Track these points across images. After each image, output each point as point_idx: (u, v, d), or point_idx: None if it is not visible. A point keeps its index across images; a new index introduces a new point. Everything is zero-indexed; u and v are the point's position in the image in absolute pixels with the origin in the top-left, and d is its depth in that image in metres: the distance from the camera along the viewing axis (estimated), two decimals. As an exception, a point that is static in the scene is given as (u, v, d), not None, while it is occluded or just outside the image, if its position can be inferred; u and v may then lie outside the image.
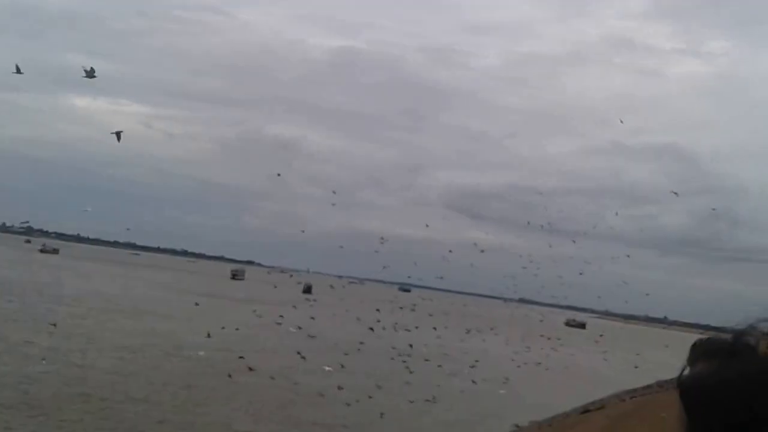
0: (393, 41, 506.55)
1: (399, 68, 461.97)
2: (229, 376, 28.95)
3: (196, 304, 55.94)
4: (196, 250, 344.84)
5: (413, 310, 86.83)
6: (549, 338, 63.73)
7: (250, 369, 31.11)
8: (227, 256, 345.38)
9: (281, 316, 53.58)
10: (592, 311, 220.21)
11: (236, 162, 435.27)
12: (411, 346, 44.68)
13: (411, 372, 35.66)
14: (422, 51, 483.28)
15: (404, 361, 38.72)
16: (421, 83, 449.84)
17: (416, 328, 57.79)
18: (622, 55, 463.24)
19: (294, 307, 75.04)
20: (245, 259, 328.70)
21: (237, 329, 42.58)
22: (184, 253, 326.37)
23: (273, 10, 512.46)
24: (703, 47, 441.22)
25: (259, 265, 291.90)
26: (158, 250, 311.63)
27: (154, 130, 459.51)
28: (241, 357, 33.79)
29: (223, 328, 41.09)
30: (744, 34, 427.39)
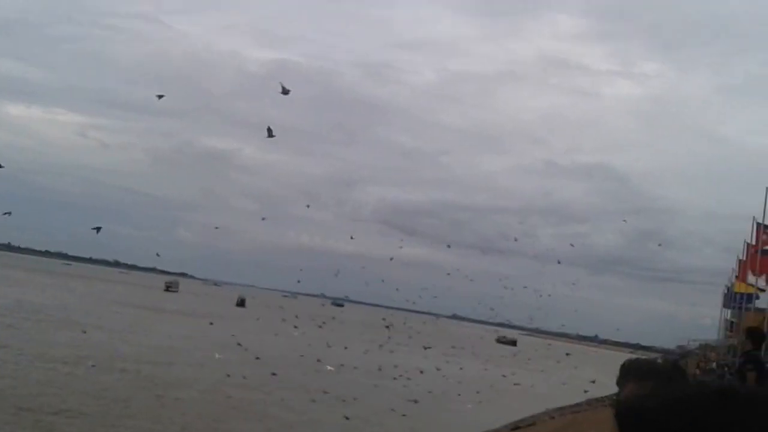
0: (328, 55, 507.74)
1: (334, 82, 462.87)
2: (160, 389, 28.61)
3: (129, 315, 54.96)
4: (129, 261, 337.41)
5: (343, 323, 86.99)
6: (480, 355, 64.74)
7: (181, 382, 30.78)
8: (160, 267, 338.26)
9: (211, 324, 53.12)
10: (524, 329, 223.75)
11: (170, 173, 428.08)
12: (342, 364, 44.75)
13: (341, 386, 35.78)
14: (357, 66, 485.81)
15: (332, 375, 38.90)
16: (355, 98, 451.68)
17: (346, 342, 57.99)
18: (556, 75, 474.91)
19: (227, 320, 74.43)
20: (178, 271, 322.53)
21: (170, 341, 41.96)
22: (117, 264, 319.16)
23: (208, 20, 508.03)
24: (637, 69, 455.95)
25: (192, 277, 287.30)
26: (90, 260, 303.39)
27: (89, 139, 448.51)
28: (172, 369, 33.39)
29: (155, 340, 40.48)
30: (676, 58, 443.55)
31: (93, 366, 32.13)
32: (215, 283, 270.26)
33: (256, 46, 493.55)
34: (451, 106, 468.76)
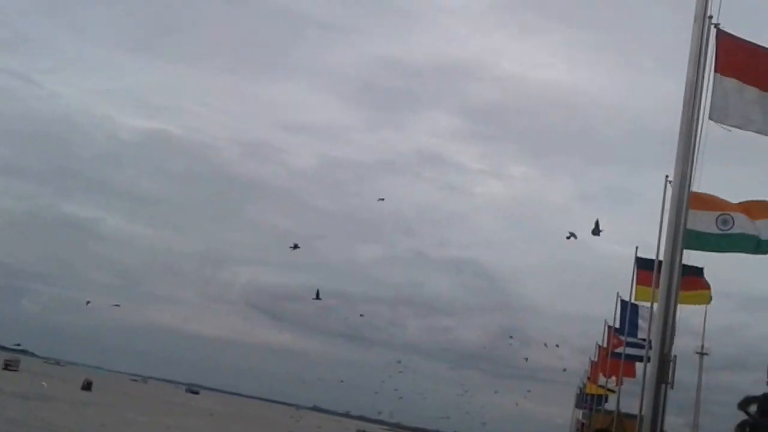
0: (207, 130, 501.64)
1: (211, 157, 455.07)
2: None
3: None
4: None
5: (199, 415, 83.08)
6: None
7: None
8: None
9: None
10: (385, 423, 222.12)
11: (21, 239, 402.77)
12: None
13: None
14: (236, 143, 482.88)
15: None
16: (232, 175, 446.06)
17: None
18: (431, 170, 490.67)
19: (70, 405, 69.56)
20: (19, 347, 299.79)
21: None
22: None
23: (83, 83, 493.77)
24: (506, 171, 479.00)
25: (33, 354, 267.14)
26: None
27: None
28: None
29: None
30: (541, 164, 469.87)
31: None
32: (57, 362, 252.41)
33: (131, 114, 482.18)
34: (328, 191, 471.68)
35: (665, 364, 6.19)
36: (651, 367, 6.36)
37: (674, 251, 7.14)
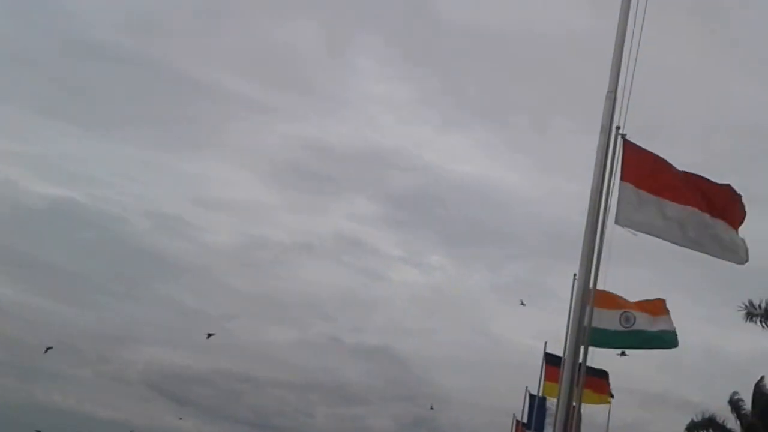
0: (117, 200, 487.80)
1: (119, 229, 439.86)
2: None
3: None
4: None
5: None
6: None
7: None
8: None
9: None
10: None
11: None
12: None
13: None
14: (148, 216, 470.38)
15: None
16: (140, 248, 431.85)
17: None
18: (349, 254, 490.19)
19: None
20: None
21: None
22: None
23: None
24: (423, 259, 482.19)
25: None
26: None
27: None
28: None
29: None
30: (457, 255, 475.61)
31: None
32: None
33: (38, 180, 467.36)
34: (244, 271, 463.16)
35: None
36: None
37: (576, 347, 7.19)
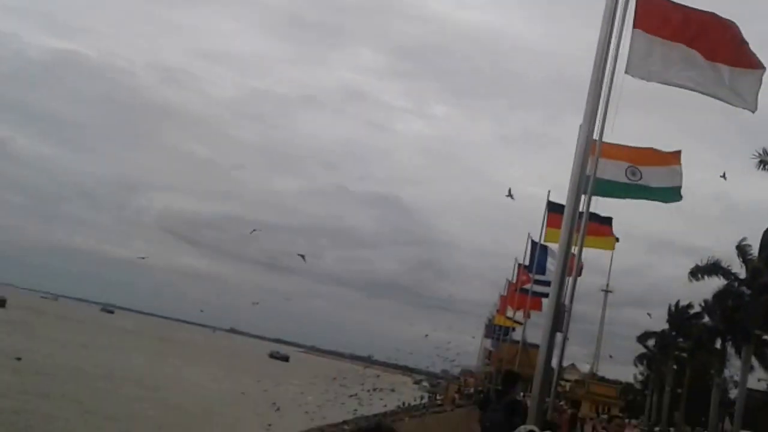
0: (122, 53, 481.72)
1: (126, 81, 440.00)
2: None
3: None
4: None
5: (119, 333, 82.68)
6: (249, 370, 64.27)
7: None
8: None
9: None
10: (300, 345, 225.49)
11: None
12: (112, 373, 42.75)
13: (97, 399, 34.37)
14: (153, 68, 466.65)
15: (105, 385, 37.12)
16: (149, 101, 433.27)
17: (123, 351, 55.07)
18: (354, 106, 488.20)
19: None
20: None
21: None
22: None
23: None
24: (428, 110, 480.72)
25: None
26: None
27: None
28: None
29: None
30: (464, 105, 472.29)
31: None
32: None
33: (41, 33, 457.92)
34: (249, 122, 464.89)
35: (560, 314, 6.41)
36: (546, 316, 6.58)
37: (577, 197, 7.26)
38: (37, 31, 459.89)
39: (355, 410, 42.06)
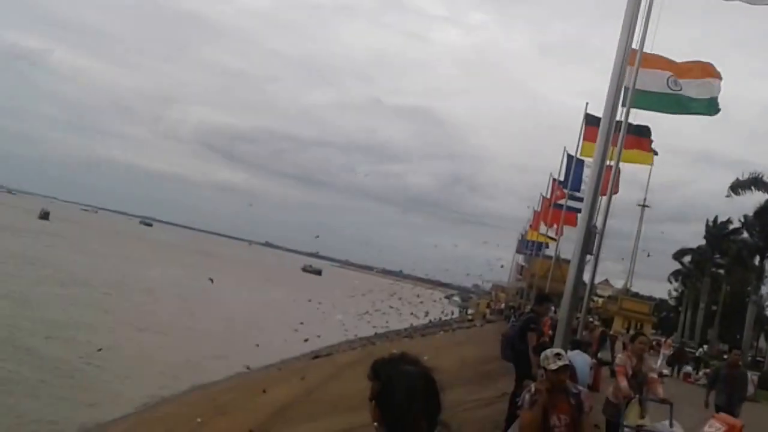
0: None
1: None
2: None
3: None
4: None
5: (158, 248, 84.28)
6: (283, 282, 65.32)
7: None
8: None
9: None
10: (333, 260, 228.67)
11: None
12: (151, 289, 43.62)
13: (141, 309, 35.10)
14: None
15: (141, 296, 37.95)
16: (183, 12, 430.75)
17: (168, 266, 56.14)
18: (389, 14, 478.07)
19: (34, 235, 69.40)
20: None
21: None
22: None
23: None
24: (465, 18, 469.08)
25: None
26: None
27: None
28: None
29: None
30: (501, 13, 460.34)
31: None
32: (9, 191, 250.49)
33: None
34: (282, 33, 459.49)
35: (591, 235, 6.01)
36: (576, 238, 6.20)
37: (613, 109, 6.78)
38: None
39: (387, 322, 42.60)
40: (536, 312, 10.22)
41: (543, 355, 5.56)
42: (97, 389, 20.29)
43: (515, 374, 9.74)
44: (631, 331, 39.83)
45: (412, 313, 48.09)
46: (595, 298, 53.30)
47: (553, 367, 5.39)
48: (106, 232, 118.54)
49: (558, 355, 5.44)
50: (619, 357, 8.89)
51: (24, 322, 26.40)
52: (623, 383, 7.87)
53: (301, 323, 33.46)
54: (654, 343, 30.81)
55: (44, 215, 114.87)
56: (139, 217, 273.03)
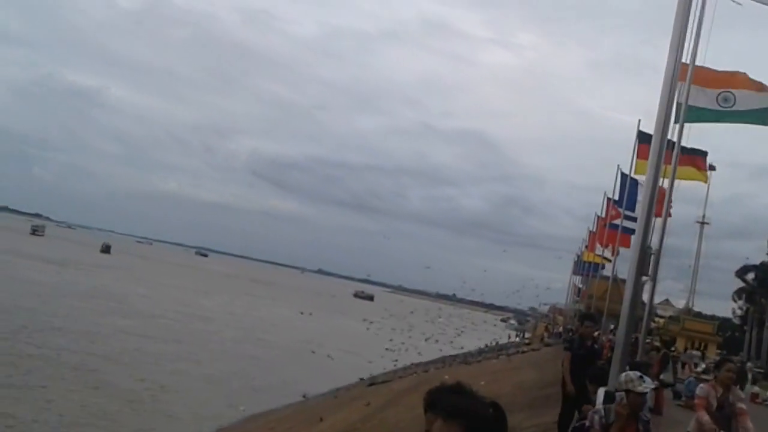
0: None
1: (211, 26, 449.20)
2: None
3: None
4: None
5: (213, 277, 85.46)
6: (337, 309, 65.58)
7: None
8: (12, 206, 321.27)
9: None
10: (387, 285, 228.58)
11: (28, 107, 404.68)
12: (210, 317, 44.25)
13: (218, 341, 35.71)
14: (237, 11, 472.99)
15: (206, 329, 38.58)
16: (233, 44, 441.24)
17: (212, 294, 56.99)
18: (435, 39, 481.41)
19: (100, 269, 71.38)
20: (33, 211, 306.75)
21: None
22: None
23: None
24: (513, 39, 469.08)
25: (48, 218, 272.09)
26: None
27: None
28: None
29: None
30: (550, 32, 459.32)
31: None
32: (69, 226, 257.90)
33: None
34: (329, 61, 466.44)
35: (646, 257, 5.90)
36: (631, 260, 6.08)
37: (665, 125, 6.66)
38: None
39: (440, 349, 42.27)
40: (579, 332, 10.14)
41: (626, 376, 5.38)
42: (156, 419, 20.63)
43: (562, 396, 9.68)
44: (694, 351, 38.76)
45: (459, 334, 47.71)
46: (656, 319, 52.06)
47: (641, 389, 5.21)
48: (166, 263, 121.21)
49: (642, 377, 5.30)
50: (701, 388, 7.78)
51: (95, 354, 27.25)
52: (705, 417, 7.19)
53: (351, 350, 33.56)
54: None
55: (106, 249, 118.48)
56: (195, 248, 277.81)
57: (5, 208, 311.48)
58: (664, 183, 10.94)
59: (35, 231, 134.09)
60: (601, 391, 5.79)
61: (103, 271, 69.36)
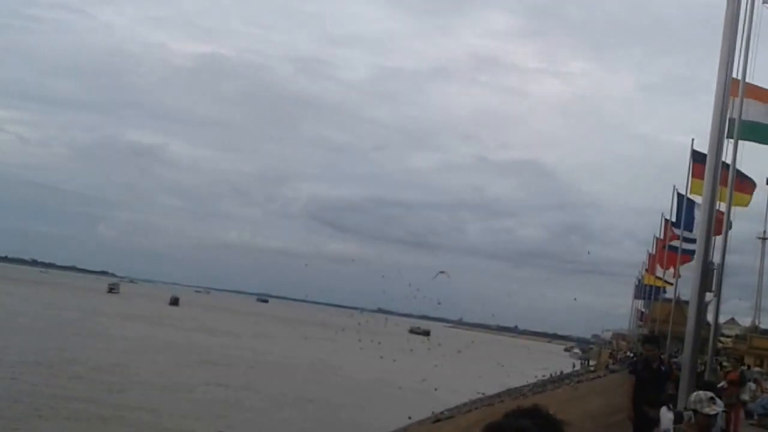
0: (258, 50, 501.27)
1: (264, 77, 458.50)
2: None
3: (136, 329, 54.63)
4: (46, 260, 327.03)
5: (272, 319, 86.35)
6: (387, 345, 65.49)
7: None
8: (79, 266, 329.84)
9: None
10: (446, 320, 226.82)
11: (91, 169, 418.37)
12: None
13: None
14: (288, 61, 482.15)
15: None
16: (286, 93, 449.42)
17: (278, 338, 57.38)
18: (485, 73, 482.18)
19: (173, 321, 73.41)
20: (98, 269, 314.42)
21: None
22: (34, 263, 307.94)
23: (134, 12, 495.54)
24: (563, 68, 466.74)
25: (113, 275, 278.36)
26: (5, 259, 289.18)
27: (7, 133, 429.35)
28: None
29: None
30: (601, 57, 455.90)
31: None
32: (132, 281, 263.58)
33: (183, 39, 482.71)
34: (382, 102, 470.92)
35: (708, 272, 5.90)
36: (694, 277, 6.08)
37: (719, 143, 6.69)
38: (180, 38, 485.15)
39: (504, 383, 41.73)
40: (644, 355, 10.02)
41: (696, 396, 5.33)
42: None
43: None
44: (753, 368, 37.37)
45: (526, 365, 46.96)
46: (723, 339, 50.54)
47: (710, 411, 5.11)
48: (231, 311, 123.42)
49: (713, 398, 5.23)
50: None
51: (173, 405, 27.90)
52: None
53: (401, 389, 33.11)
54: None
55: (174, 301, 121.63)
56: (255, 295, 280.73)
57: (73, 268, 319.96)
58: (721, 206, 10.82)
59: (112, 289, 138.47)
60: (663, 411, 5.74)
61: (178, 323, 72.19)
